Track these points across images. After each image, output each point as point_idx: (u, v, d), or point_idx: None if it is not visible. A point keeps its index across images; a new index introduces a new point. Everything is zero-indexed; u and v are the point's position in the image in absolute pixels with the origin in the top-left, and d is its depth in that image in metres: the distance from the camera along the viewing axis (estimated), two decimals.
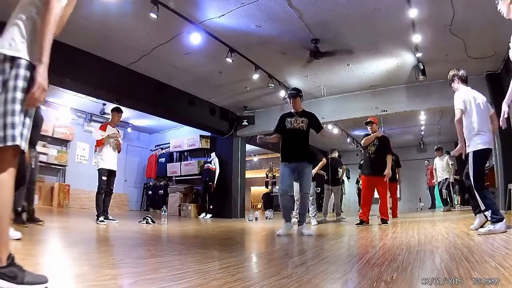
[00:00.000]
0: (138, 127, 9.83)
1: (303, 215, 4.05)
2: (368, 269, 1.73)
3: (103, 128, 5.16)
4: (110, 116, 5.50)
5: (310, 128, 4.03)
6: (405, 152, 12.56)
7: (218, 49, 5.07)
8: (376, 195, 5.40)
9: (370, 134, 5.32)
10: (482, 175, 3.13)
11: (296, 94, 4.08)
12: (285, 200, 3.95)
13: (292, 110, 4.08)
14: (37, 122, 4.04)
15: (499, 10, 2.47)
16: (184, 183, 9.18)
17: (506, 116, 2.84)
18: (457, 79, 3.40)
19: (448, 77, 3.48)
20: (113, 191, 5.29)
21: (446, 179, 8.04)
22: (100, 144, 5.06)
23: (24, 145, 1.29)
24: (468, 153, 3.15)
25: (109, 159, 5.10)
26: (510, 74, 5.20)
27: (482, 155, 3.10)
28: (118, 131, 5.40)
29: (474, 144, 3.09)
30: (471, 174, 3.08)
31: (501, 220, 2.87)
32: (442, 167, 8.14)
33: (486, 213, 3.01)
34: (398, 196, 9.47)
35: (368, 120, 5.39)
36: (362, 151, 5.49)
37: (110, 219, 4.94)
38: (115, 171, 5.20)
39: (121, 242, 3.22)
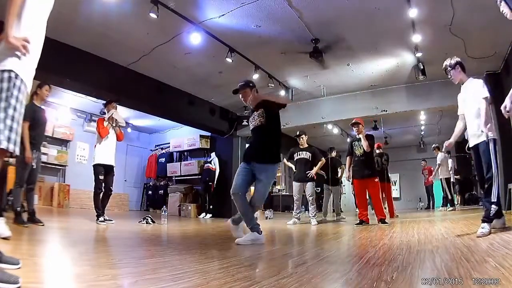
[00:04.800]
0: (138, 127, 9.83)
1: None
2: (368, 269, 1.73)
3: (101, 121, 4.97)
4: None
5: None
6: (405, 152, 12.58)
7: (218, 49, 5.07)
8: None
9: (354, 138, 5.36)
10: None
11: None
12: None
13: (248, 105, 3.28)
14: (41, 124, 4.04)
15: (502, 11, 2.36)
16: (184, 183, 9.18)
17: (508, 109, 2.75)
18: (459, 67, 3.11)
19: (448, 64, 3.14)
20: (113, 191, 5.10)
21: (447, 178, 8.04)
22: (105, 133, 4.83)
23: (13, 148, 1.38)
24: (484, 142, 3.04)
25: (105, 152, 4.82)
26: (510, 74, 5.21)
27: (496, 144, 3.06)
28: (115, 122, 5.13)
29: (493, 132, 3.02)
30: (493, 161, 3.01)
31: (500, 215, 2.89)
32: (443, 164, 8.13)
33: (493, 206, 2.93)
34: (398, 196, 9.49)
35: (353, 121, 5.26)
36: (348, 156, 5.44)
37: (106, 219, 4.76)
38: (112, 166, 4.89)
39: (121, 242, 3.22)
